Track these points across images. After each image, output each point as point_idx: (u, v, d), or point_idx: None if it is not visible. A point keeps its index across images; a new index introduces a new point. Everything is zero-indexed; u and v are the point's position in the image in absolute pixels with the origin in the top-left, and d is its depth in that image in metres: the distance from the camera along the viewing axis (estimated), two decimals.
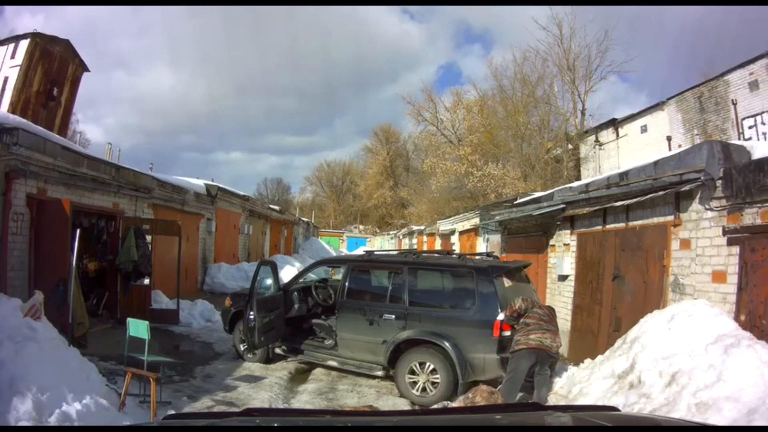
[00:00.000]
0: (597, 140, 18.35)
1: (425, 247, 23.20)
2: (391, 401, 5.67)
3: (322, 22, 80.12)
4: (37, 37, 17.96)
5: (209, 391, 5.67)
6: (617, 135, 17.57)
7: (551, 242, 8.79)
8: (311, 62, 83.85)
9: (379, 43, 78.44)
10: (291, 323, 6.98)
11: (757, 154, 4.93)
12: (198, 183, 13.36)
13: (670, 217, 5.71)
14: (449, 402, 5.52)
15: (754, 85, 12.28)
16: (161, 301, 9.71)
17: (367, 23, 75.89)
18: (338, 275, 7.82)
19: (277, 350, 6.94)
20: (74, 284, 6.09)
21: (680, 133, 14.71)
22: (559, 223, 8.42)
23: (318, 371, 6.84)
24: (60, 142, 7.59)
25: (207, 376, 6.26)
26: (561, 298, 8.32)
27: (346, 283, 6.45)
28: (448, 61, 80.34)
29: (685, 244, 5.47)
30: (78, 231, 6.20)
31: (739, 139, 12.04)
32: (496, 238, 11.98)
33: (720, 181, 5.00)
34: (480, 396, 5.10)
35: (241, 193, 16.79)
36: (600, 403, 4.48)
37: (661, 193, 5.64)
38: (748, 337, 4.18)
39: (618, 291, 6.61)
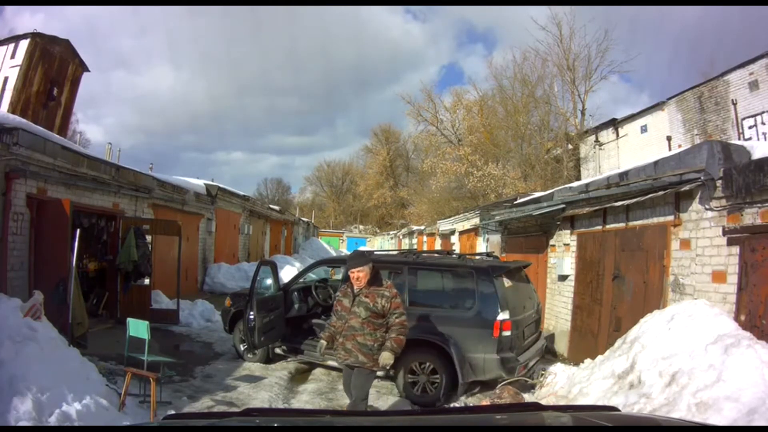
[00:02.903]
0: (597, 140, 18.35)
1: (425, 247, 23.21)
2: (391, 401, 5.67)
3: (323, 22, 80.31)
4: (37, 37, 17.97)
5: (209, 391, 5.67)
6: (617, 135, 17.57)
7: (551, 242, 8.80)
8: (312, 62, 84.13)
9: (382, 43, 78.65)
10: (291, 323, 6.97)
11: (757, 154, 4.93)
12: (198, 183, 13.37)
13: (670, 217, 5.71)
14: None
15: (754, 85, 12.29)
16: (161, 301, 9.71)
17: (370, 23, 76.08)
18: (338, 275, 7.81)
19: (277, 350, 6.94)
20: (74, 284, 6.09)
21: (680, 133, 14.71)
22: (559, 223, 8.42)
23: (318, 371, 6.83)
24: (60, 142, 7.58)
25: (207, 376, 6.26)
26: (561, 298, 8.32)
27: (346, 284, 6.43)
28: (450, 61, 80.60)
29: (685, 244, 5.47)
30: (78, 231, 6.20)
31: (739, 139, 12.04)
32: (496, 238, 11.98)
33: (720, 181, 5.00)
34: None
35: (241, 193, 16.79)
36: (600, 403, 4.48)
37: (661, 193, 5.64)
38: (748, 337, 4.18)
39: (618, 291, 6.62)
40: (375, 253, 7.28)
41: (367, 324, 4.10)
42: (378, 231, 47.88)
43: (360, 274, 4.16)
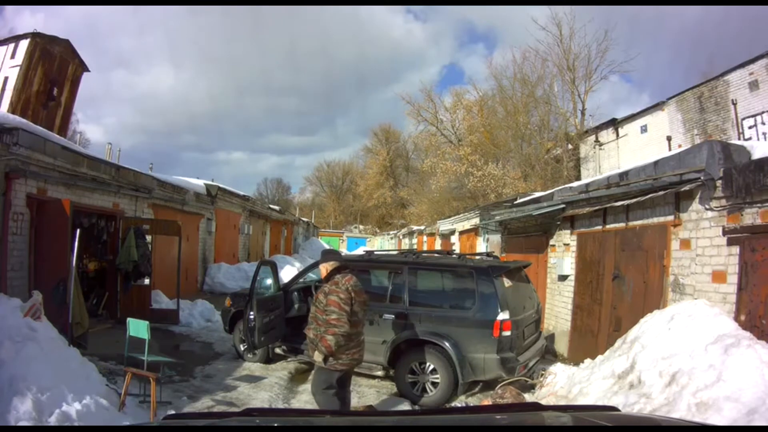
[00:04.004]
0: (597, 140, 18.34)
1: (425, 247, 23.20)
2: (391, 401, 5.67)
3: (323, 22, 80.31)
4: (37, 37, 17.99)
5: (209, 391, 5.67)
6: (617, 135, 17.57)
7: (551, 242, 8.79)
8: (312, 62, 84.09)
9: (382, 43, 78.70)
10: (291, 323, 6.97)
11: (757, 154, 4.92)
12: (198, 183, 13.37)
13: (670, 217, 5.71)
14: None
15: (754, 85, 12.28)
16: (161, 301, 9.71)
17: (370, 23, 76.13)
18: None
19: (277, 350, 6.94)
20: (74, 284, 6.09)
21: (680, 133, 14.71)
22: (559, 223, 8.42)
23: None
24: (60, 142, 7.59)
25: (207, 376, 6.26)
26: (561, 298, 8.32)
27: None
28: (451, 61, 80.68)
29: (685, 244, 5.47)
30: (78, 231, 6.19)
31: (739, 139, 12.04)
32: (496, 238, 11.98)
33: (720, 181, 4.99)
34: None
35: (241, 193, 16.79)
36: (600, 403, 4.47)
37: (661, 193, 5.64)
38: (748, 337, 4.18)
39: (618, 291, 6.61)
40: (375, 253, 7.29)
41: (314, 319, 4.25)
42: (378, 231, 47.84)
43: (320, 272, 4.50)
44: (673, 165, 5.52)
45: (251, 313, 6.23)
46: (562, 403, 5.03)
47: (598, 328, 6.98)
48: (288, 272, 12.75)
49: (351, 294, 4.15)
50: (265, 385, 5.98)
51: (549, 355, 7.52)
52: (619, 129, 17.50)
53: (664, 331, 4.78)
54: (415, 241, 27.46)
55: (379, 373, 6.10)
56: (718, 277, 4.99)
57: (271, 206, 22.90)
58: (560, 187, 9.14)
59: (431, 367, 5.67)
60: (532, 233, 9.63)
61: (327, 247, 31.80)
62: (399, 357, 5.84)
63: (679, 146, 12.79)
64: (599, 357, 5.59)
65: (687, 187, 5.30)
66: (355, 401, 5.68)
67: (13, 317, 4.37)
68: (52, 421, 3.62)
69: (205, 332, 9.03)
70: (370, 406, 5.47)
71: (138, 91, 72.67)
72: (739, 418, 3.51)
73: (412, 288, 6.08)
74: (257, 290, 6.47)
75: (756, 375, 3.75)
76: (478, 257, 7.03)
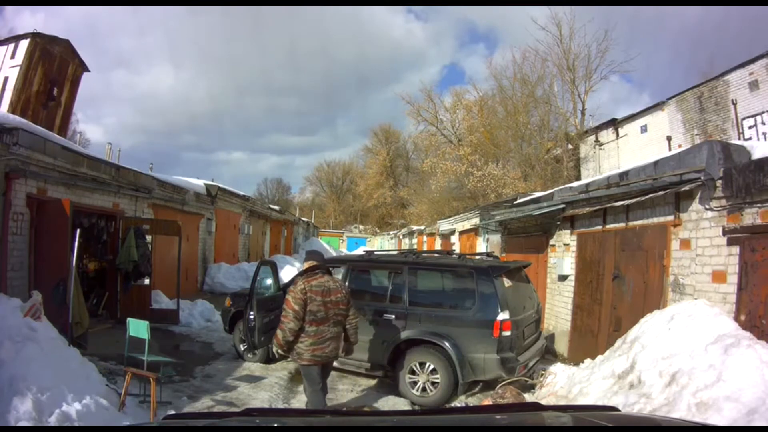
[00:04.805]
0: (597, 140, 18.34)
1: (425, 247, 23.20)
2: (391, 401, 5.67)
3: (323, 21, 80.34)
4: (37, 37, 17.98)
5: (209, 391, 5.67)
6: (617, 135, 17.57)
7: (551, 242, 8.79)
8: (313, 62, 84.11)
9: (383, 43, 78.74)
10: None
11: (757, 154, 4.93)
12: (198, 183, 13.36)
13: (670, 217, 5.71)
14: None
15: (754, 85, 12.28)
16: (161, 301, 9.71)
17: (371, 23, 76.15)
18: (338, 275, 7.80)
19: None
20: (74, 284, 6.08)
21: (680, 133, 14.71)
22: (559, 223, 8.42)
23: None
24: (60, 142, 7.58)
25: (207, 376, 6.26)
26: (561, 298, 8.32)
27: (346, 283, 6.44)
28: (451, 61, 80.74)
29: (685, 244, 5.47)
30: (78, 231, 6.19)
31: (739, 139, 12.04)
32: (496, 238, 11.98)
33: (720, 181, 5.00)
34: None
35: (241, 193, 16.78)
36: (600, 403, 4.48)
37: (661, 193, 5.65)
38: (748, 337, 4.18)
39: (618, 291, 6.62)
40: (375, 253, 7.29)
41: None
42: (378, 231, 47.84)
43: None
44: (673, 165, 5.52)
45: (251, 313, 6.22)
46: (562, 403, 5.03)
47: (598, 328, 6.98)
48: (288, 272, 12.74)
49: (305, 294, 4.27)
50: (265, 385, 5.98)
51: (549, 355, 7.52)
52: (619, 129, 17.49)
53: (664, 331, 4.78)
54: (415, 241, 27.47)
55: (379, 373, 6.10)
56: (718, 277, 5.00)
57: (271, 206, 22.89)
58: (560, 187, 9.14)
59: (431, 367, 5.67)
60: (532, 233, 9.63)
61: (326, 246, 31.77)
62: (399, 357, 5.84)
63: (679, 146, 12.80)
64: (599, 357, 5.59)
65: (687, 187, 5.30)
66: (355, 401, 5.69)
67: (13, 317, 4.36)
68: (52, 421, 3.62)
69: (205, 332, 9.03)
70: (370, 406, 5.47)
71: (138, 91, 72.77)
72: (739, 418, 3.51)
73: (412, 288, 6.08)
74: (257, 290, 6.46)
75: (756, 375, 3.75)
76: (478, 257, 7.02)
